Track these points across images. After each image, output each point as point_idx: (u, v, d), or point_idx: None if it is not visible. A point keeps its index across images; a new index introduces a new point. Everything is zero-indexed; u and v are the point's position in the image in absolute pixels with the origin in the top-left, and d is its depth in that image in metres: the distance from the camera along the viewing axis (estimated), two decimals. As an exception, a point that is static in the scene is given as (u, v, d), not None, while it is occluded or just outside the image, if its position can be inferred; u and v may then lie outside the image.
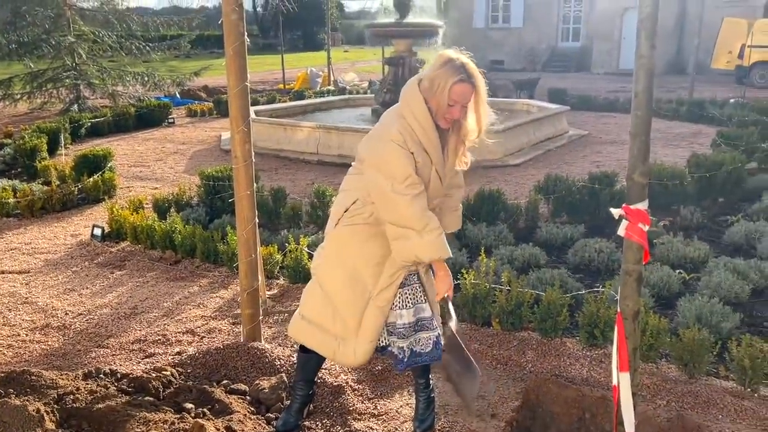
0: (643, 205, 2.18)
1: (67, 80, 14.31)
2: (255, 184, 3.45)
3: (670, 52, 23.81)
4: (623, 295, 2.29)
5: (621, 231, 2.20)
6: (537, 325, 3.60)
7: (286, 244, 4.66)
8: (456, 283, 3.97)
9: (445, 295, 2.54)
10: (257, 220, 3.44)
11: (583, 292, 3.77)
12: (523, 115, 10.76)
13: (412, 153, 2.37)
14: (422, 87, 2.41)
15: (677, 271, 4.28)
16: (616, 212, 2.26)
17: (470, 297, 3.74)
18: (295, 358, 3.15)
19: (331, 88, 18.37)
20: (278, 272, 4.69)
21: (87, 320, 4.03)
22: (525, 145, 9.35)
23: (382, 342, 2.64)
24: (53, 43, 14.15)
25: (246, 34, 3.17)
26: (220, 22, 3.14)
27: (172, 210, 6.02)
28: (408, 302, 2.60)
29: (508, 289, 3.68)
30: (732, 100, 12.96)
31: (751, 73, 18.10)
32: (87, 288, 4.57)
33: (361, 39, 53.12)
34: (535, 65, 26.34)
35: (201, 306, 4.24)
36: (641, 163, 2.14)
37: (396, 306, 2.59)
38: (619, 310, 2.30)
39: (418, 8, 11.27)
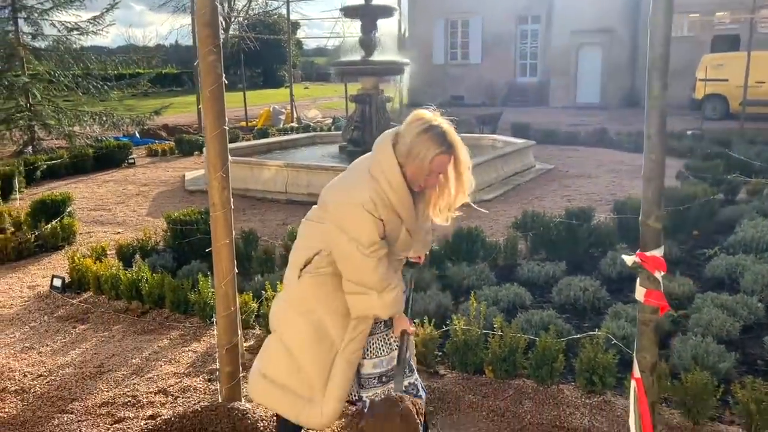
0: (659, 252, 2.08)
1: (20, 121, 13.82)
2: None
3: (625, 87, 24.58)
4: (640, 347, 2.16)
5: (639, 295, 2.08)
6: (532, 372, 3.45)
7: (262, 291, 4.44)
8: (445, 329, 3.81)
9: (406, 337, 2.42)
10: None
11: (578, 336, 3.64)
12: (490, 150, 10.81)
13: (382, 219, 2.24)
14: (398, 152, 2.24)
15: (665, 308, 4.21)
16: (629, 259, 2.14)
17: (461, 344, 3.58)
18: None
19: (295, 125, 18.27)
20: (254, 322, 4.45)
21: (48, 382, 3.71)
22: (494, 180, 9.35)
23: (353, 396, 2.46)
24: (6, 83, 13.68)
25: (224, 75, 3.01)
26: (196, 63, 2.97)
27: (137, 257, 5.72)
28: (378, 351, 2.46)
29: (500, 335, 3.53)
30: (689, 132, 13.31)
31: (703, 106, 18.73)
32: (47, 345, 4.24)
33: (320, 75, 53.17)
34: (495, 100, 26.80)
35: (173, 362, 3.96)
36: (657, 208, 2.04)
37: (366, 356, 2.44)
38: (635, 364, 2.17)
39: (381, 45, 11.30)
